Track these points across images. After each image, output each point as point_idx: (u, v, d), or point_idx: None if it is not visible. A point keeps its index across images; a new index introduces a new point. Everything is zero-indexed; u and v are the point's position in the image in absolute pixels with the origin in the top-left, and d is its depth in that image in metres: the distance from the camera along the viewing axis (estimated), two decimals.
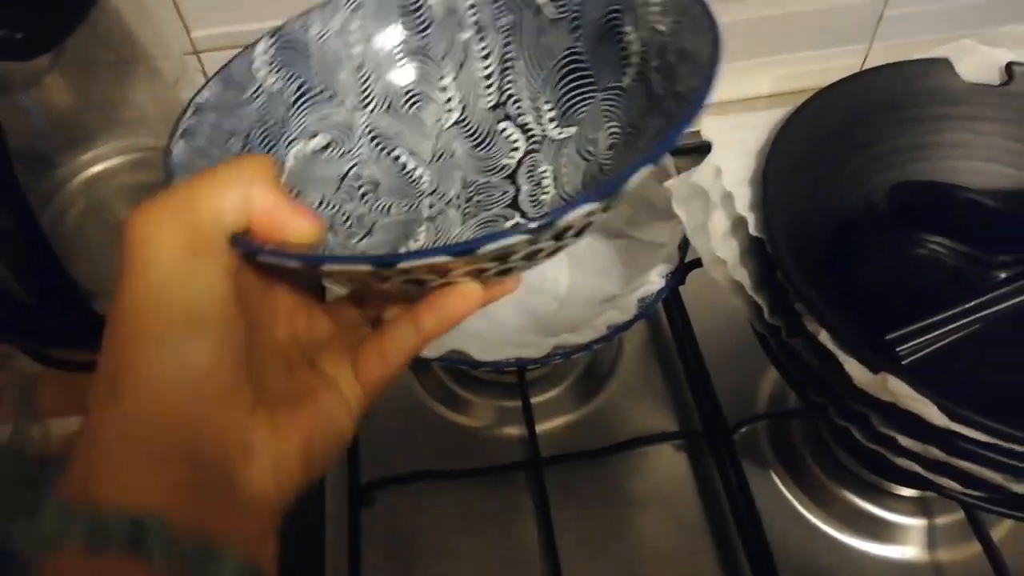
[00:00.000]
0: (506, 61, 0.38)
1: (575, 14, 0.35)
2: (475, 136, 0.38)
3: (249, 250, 0.24)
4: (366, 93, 0.37)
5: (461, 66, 0.38)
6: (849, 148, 0.43)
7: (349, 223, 0.36)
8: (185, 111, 0.31)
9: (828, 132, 0.43)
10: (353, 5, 0.36)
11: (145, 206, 0.24)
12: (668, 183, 0.41)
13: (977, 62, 0.42)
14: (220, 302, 0.24)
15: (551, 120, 0.37)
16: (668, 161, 0.49)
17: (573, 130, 0.37)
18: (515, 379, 0.51)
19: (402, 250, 0.37)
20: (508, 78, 0.38)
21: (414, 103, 0.38)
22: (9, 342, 0.43)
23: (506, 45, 0.37)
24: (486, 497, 0.49)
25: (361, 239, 0.36)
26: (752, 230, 0.39)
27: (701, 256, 0.40)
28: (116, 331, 0.23)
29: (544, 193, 0.37)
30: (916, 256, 0.40)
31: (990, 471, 0.31)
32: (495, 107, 0.38)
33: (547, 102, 0.37)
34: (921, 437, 0.31)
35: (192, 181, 0.24)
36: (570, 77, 0.37)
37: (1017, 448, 0.29)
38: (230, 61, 0.34)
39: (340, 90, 0.37)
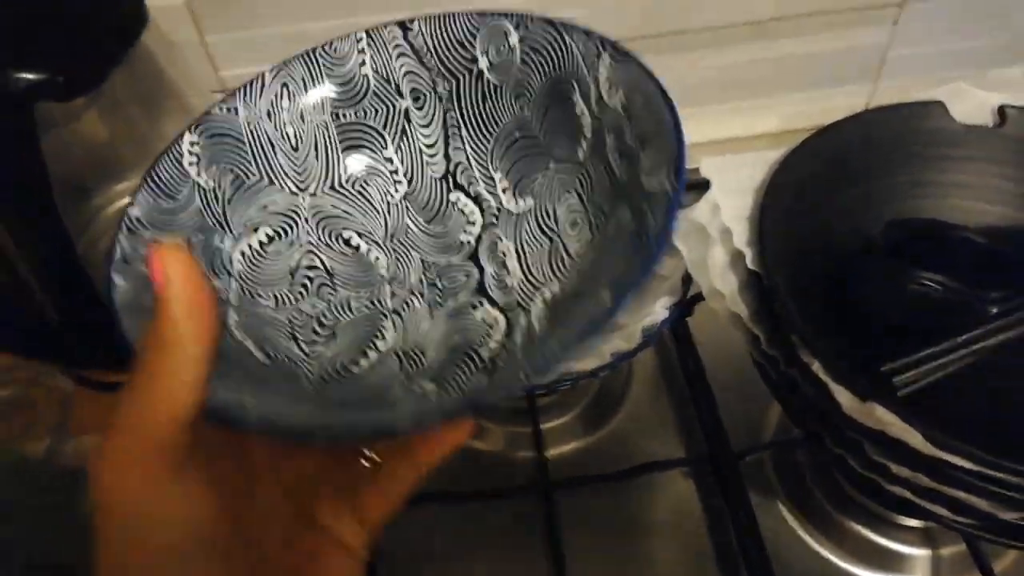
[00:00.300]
0: (449, 128, 0.37)
1: (517, 81, 0.35)
2: (427, 209, 0.37)
3: (232, 425, 0.24)
4: (305, 174, 0.36)
5: (403, 135, 0.37)
6: (846, 185, 0.44)
7: (310, 327, 0.34)
8: (119, 227, 0.30)
9: (825, 170, 0.44)
10: (280, 82, 0.35)
11: (101, 452, 0.23)
12: None
13: (970, 105, 0.44)
14: (198, 520, 0.23)
15: (504, 191, 0.36)
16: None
17: (530, 202, 0.36)
18: (526, 405, 0.53)
19: (370, 350, 0.35)
20: (453, 146, 0.37)
21: (358, 178, 0.37)
22: (42, 361, 0.45)
23: (447, 112, 0.36)
24: (495, 520, 0.51)
25: (325, 345, 0.34)
26: (750, 264, 0.40)
27: (702, 289, 0.42)
28: None
29: (509, 276, 0.35)
30: (911, 291, 0.41)
31: (978, 499, 0.32)
32: (443, 177, 0.37)
33: (497, 171, 0.36)
34: (910, 465, 0.33)
35: (135, 397, 0.23)
36: (518, 144, 0.36)
37: (1002, 476, 0.30)
38: (157, 163, 0.32)
39: (278, 175, 0.35)
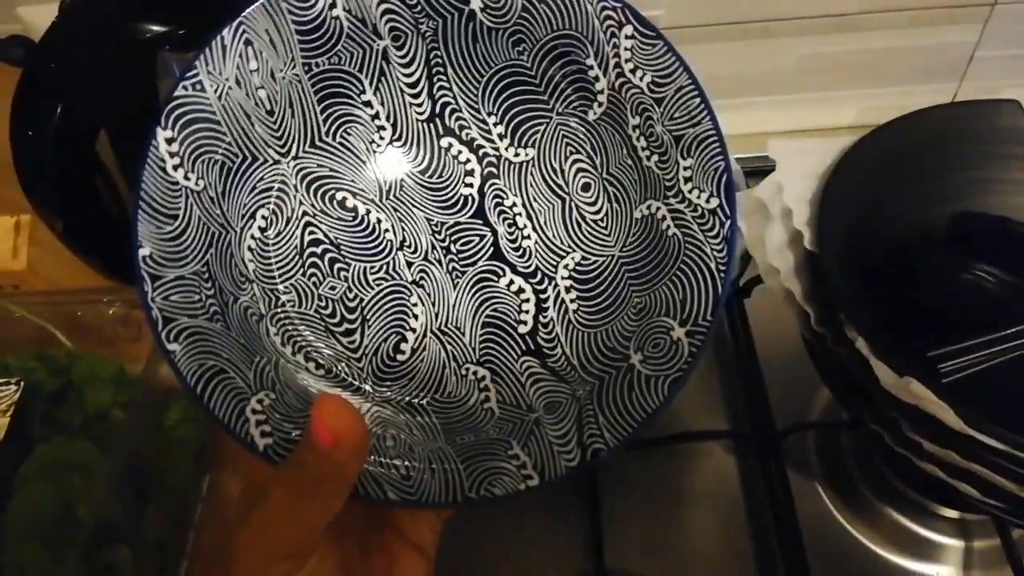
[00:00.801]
0: (433, 67, 0.34)
1: (516, 27, 0.33)
2: (418, 159, 0.35)
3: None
4: (284, 137, 0.34)
5: (381, 76, 0.34)
6: (911, 177, 0.45)
7: (339, 314, 0.34)
8: (142, 286, 0.28)
9: (892, 161, 0.45)
10: (241, 40, 0.31)
11: (236, 551, 0.25)
12: None
13: None
14: None
15: (501, 137, 0.35)
16: (739, 175, 0.53)
17: (532, 152, 0.35)
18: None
19: (406, 331, 0.34)
20: (439, 85, 0.35)
21: (338, 126, 0.35)
22: None
23: (431, 50, 0.34)
24: None
25: (361, 333, 0.34)
26: (807, 244, 0.42)
27: (758, 265, 0.44)
28: None
29: (525, 238, 0.35)
30: (965, 281, 0.42)
31: (1006, 480, 0.33)
32: (430, 119, 0.35)
33: (491, 114, 0.35)
34: (943, 442, 0.34)
35: (276, 514, 0.25)
36: (514, 90, 0.34)
37: None
38: (143, 182, 0.29)
39: (259, 147, 0.33)
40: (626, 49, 0.31)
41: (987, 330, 0.40)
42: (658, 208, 0.32)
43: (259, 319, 0.32)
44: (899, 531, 0.49)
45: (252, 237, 0.33)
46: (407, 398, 0.33)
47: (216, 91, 0.31)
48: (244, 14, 0.32)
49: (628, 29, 0.31)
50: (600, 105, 0.33)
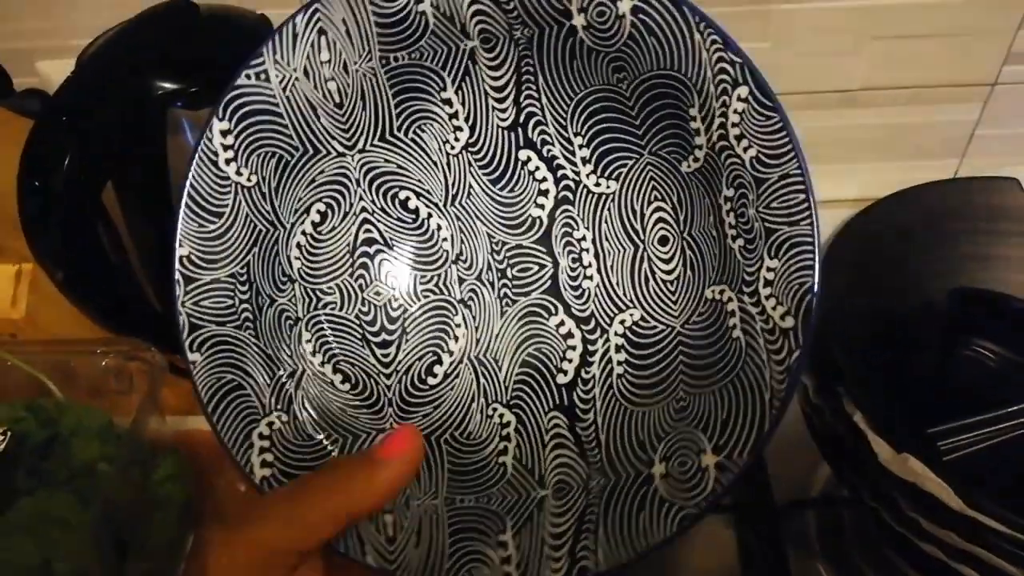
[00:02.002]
0: (524, 75, 0.32)
1: (619, 54, 0.30)
2: (493, 166, 0.32)
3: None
4: (352, 129, 0.32)
5: (465, 75, 0.32)
6: (909, 252, 0.45)
7: (379, 322, 0.32)
8: (176, 284, 0.28)
9: (893, 234, 0.45)
10: (315, 29, 0.30)
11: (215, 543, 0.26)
12: None
13: None
14: None
15: (584, 161, 0.32)
16: None
17: (613, 186, 0.31)
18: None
19: (443, 353, 0.32)
20: (527, 93, 0.32)
21: (412, 121, 0.32)
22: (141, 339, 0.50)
23: (523, 58, 0.31)
24: None
25: (398, 347, 0.32)
26: None
27: None
28: None
29: (587, 278, 0.32)
30: (965, 358, 0.42)
31: (1007, 563, 0.32)
32: (512, 127, 0.32)
33: (577, 135, 0.32)
34: (942, 522, 0.33)
35: (271, 526, 0.25)
36: (607, 116, 0.31)
37: None
38: (191, 172, 0.29)
39: (323, 139, 0.31)
40: (735, 112, 0.28)
41: (987, 408, 0.39)
42: (730, 299, 0.28)
43: (293, 323, 0.31)
44: None
45: (303, 233, 0.31)
46: (426, 430, 0.31)
47: (281, 81, 0.30)
48: (320, 1, 0.30)
49: (743, 91, 0.28)
50: (696, 160, 0.30)
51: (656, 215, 0.31)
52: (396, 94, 0.32)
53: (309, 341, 0.31)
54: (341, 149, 0.32)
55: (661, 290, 0.31)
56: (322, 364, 0.31)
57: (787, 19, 0.61)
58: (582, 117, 0.32)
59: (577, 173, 0.32)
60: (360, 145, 0.32)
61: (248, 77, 0.30)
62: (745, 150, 0.28)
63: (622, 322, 0.31)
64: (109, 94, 0.47)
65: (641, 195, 0.31)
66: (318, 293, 0.32)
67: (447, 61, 0.32)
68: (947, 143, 0.70)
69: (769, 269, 0.27)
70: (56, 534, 0.42)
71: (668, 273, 0.31)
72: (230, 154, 0.30)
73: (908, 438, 0.34)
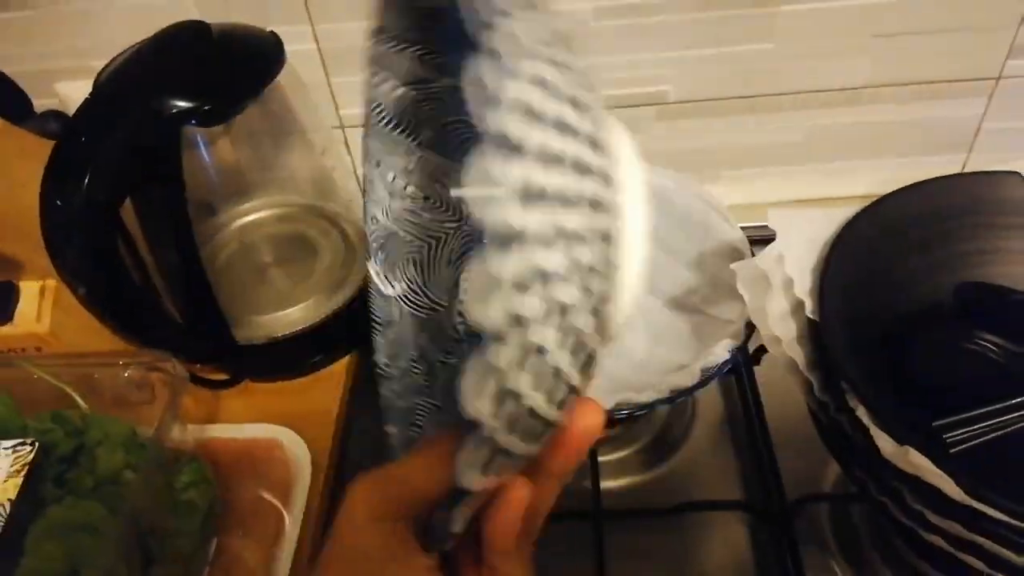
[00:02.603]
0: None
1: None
2: None
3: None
4: (449, 208, 0.38)
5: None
6: (913, 247, 0.46)
7: None
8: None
9: (894, 231, 0.46)
10: (374, 165, 0.36)
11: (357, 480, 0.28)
12: (733, 265, 0.45)
13: None
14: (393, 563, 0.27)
15: None
16: (743, 245, 0.53)
17: None
18: None
19: None
20: None
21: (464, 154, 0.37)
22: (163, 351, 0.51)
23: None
24: (544, 544, 0.53)
25: None
26: (809, 313, 0.42)
27: (761, 333, 0.44)
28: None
29: None
30: (969, 351, 0.42)
31: (1011, 552, 0.32)
32: None
33: None
34: (945, 513, 0.33)
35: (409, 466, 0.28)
36: None
37: None
38: (372, 306, 0.38)
39: (435, 230, 0.38)
40: None
41: (992, 400, 0.40)
42: None
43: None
44: None
45: (461, 302, 0.37)
46: None
47: (384, 213, 0.37)
48: (372, 150, 0.36)
49: None
50: None
51: None
52: (448, 155, 0.37)
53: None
54: (454, 226, 0.38)
55: None
56: None
57: (790, 20, 0.61)
58: None
59: None
60: (464, 212, 0.38)
61: (367, 223, 0.37)
62: None
63: None
64: (125, 114, 0.48)
65: None
66: None
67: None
68: (953, 139, 0.70)
69: None
70: (84, 541, 0.43)
71: None
72: (382, 279, 0.37)
73: (910, 431, 0.34)
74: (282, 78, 0.53)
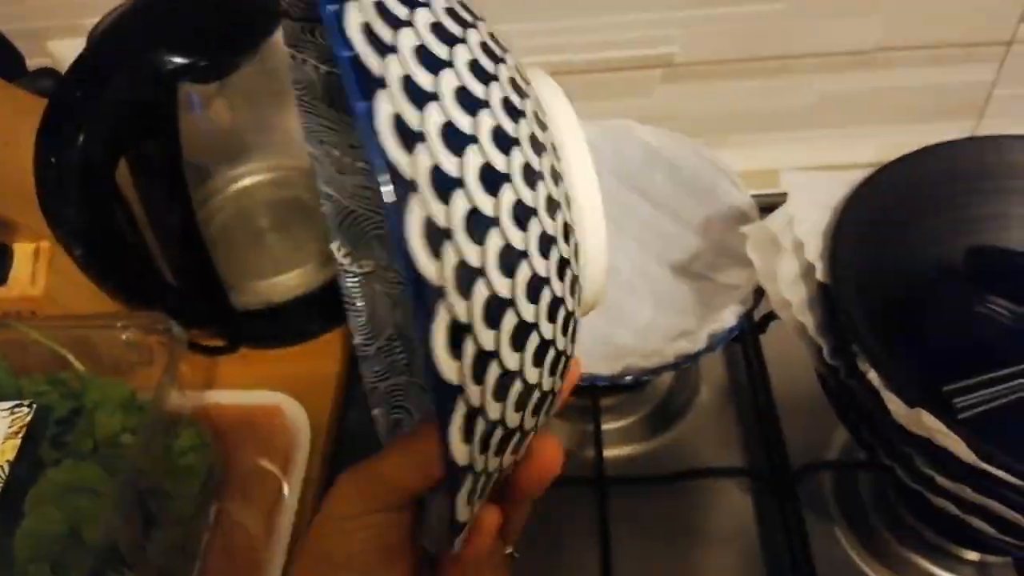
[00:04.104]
0: None
1: None
2: None
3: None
4: None
5: None
6: (925, 211, 0.45)
7: None
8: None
9: (906, 195, 0.45)
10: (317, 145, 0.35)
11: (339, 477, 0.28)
12: (744, 228, 0.44)
13: None
14: (375, 559, 0.27)
15: None
16: (751, 210, 0.52)
17: None
18: (589, 404, 0.55)
19: None
20: None
21: None
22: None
23: None
24: (548, 512, 0.52)
25: None
26: (819, 276, 0.41)
27: (770, 297, 0.43)
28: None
29: None
30: (979, 315, 0.41)
31: (1018, 515, 0.32)
32: None
33: None
34: (955, 476, 0.33)
35: (393, 463, 0.27)
36: None
37: None
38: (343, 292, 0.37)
39: None
40: None
41: (1002, 364, 0.39)
42: None
43: None
44: (918, 573, 0.47)
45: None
46: None
47: (338, 191, 0.36)
48: (311, 128, 0.35)
49: None
50: None
51: None
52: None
53: None
54: None
55: None
56: None
57: None
58: None
59: None
60: None
61: (325, 200, 0.36)
62: None
63: None
64: (119, 70, 0.47)
65: None
66: None
67: None
68: (964, 104, 0.69)
69: None
70: (83, 503, 0.43)
71: None
72: (349, 259, 0.36)
73: (921, 394, 0.33)
74: (279, 35, 0.51)
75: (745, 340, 0.57)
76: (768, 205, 0.60)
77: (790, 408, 0.54)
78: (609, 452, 0.54)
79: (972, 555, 0.46)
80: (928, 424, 0.32)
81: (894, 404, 0.34)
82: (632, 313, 0.55)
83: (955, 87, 0.67)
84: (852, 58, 0.65)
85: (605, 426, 0.55)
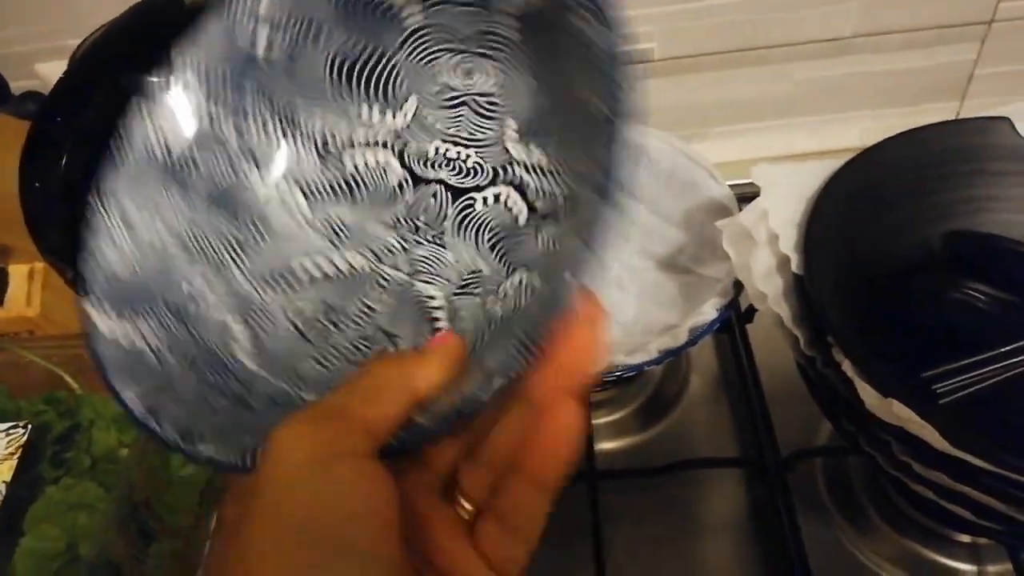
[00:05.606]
0: None
1: None
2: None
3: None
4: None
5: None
6: (901, 198, 0.45)
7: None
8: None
9: (883, 180, 0.45)
10: None
11: (288, 420, 0.22)
12: (718, 223, 0.45)
13: None
14: (348, 511, 0.21)
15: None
16: (730, 202, 0.53)
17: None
18: None
19: (440, 320, 0.33)
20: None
21: None
22: None
23: None
24: None
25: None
26: (794, 268, 0.42)
27: (747, 290, 0.44)
28: (228, 540, 0.21)
29: (464, 159, 0.34)
30: (956, 300, 0.42)
31: (996, 501, 0.32)
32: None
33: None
34: (931, 463, 0.33)
35: (346, 393, 0.23)
36: None
37: (1019, 478, 0.31)
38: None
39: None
40: None
41: (981, 349, 0.39)
42: None
43: None
44: (909, 557, 0.48)
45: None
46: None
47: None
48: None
49: None
50: None
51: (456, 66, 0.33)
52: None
53: None
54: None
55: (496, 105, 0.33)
56: None
57: None
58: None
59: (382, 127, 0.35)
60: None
61: None
62: None
63: (512, 139, 0.33)
64: (100, 91, 0.48)
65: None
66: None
67: None
68: (946, 86, 0.69)
69: None
70: (81, 520, 0.44)
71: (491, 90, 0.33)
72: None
73: (894, 383, 0.34)
74: None
75: (733, 330, 0.58)
76: (751, 195, 0.60)
77: (779, 396, 0.54)
78: (601, 446, 0.55)
79: (964, 537, 0.46)
80: (900, 414, 0.32)
81: (867, 394, 0.34)
82: (617, 308, 0.56)
83: (936, 69, 0.67)
84: (830, 44, 0.65)
85: (596, 420, 0.56)
